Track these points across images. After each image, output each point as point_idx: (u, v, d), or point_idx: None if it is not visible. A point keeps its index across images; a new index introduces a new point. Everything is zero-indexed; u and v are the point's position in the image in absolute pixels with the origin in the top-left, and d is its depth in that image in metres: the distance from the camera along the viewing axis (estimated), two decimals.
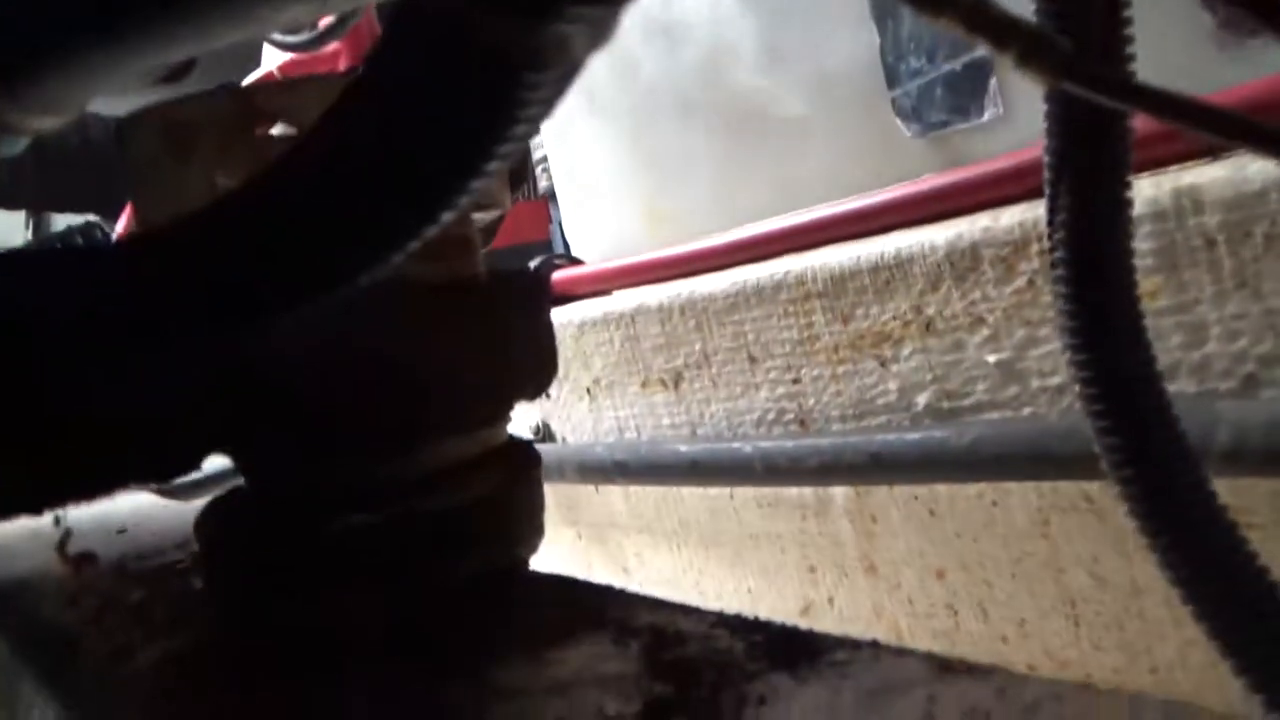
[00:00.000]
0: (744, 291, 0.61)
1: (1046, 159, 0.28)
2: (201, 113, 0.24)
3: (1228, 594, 0.25)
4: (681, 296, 0.66)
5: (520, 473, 0.29)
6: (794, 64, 0.72)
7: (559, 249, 1.01)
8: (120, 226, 1.36)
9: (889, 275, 0.53)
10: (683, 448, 0.61)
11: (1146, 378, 0.26)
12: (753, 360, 0.61)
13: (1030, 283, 0.47)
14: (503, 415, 0.29)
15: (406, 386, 0.26)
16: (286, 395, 0.24)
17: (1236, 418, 0.37)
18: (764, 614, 0.64)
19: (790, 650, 0.20)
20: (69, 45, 0.51)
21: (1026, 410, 0.48)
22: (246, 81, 1.28)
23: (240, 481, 0.29)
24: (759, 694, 0.18)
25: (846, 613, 0.58)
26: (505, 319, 0.28)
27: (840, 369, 0.56)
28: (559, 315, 0.76)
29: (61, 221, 1.83)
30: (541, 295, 0.29)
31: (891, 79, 0.66)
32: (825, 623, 0.60)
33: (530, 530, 0.29)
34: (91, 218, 1.83)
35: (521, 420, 0.80)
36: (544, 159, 1.29)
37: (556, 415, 0.79)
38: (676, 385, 0.67)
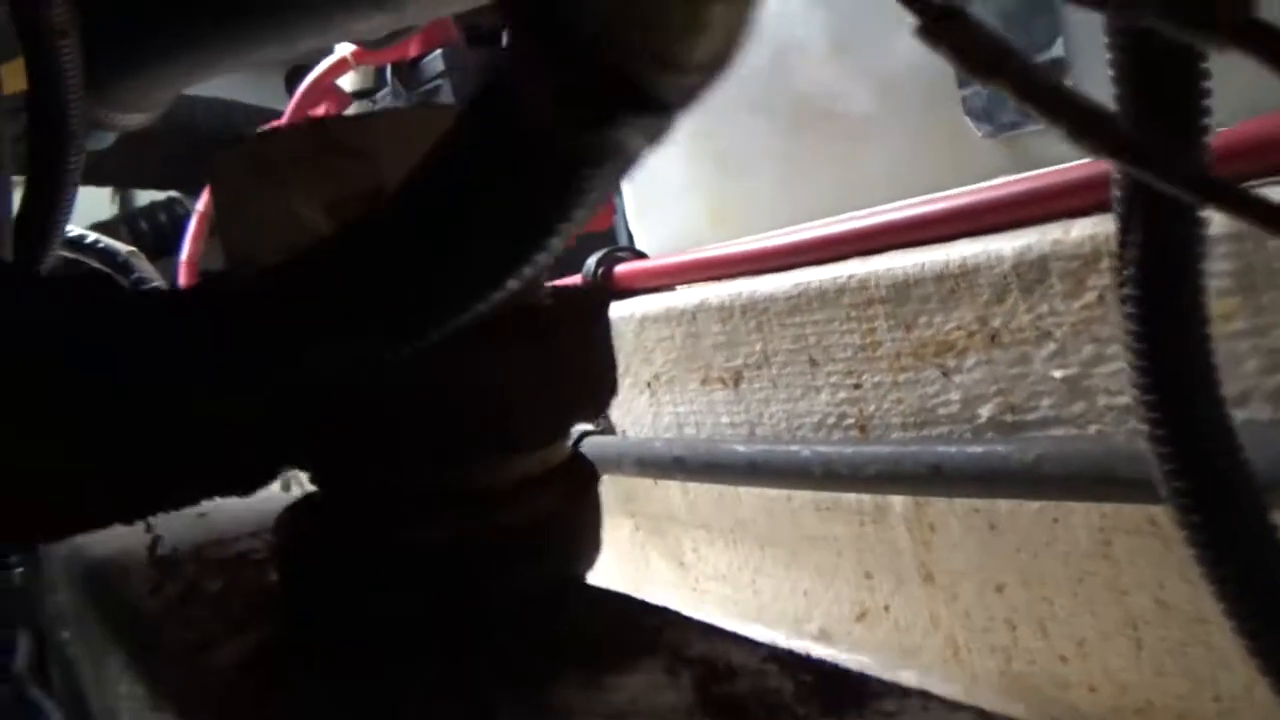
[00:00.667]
0: (806, 294, 0.61)
1: (1117, 176, 0.28)
2: (284, 145, 0.25)
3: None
4: (743, 296, 0.66)
5: (580, 490, 0.29)
6: (862, 61, 0.71)
7: (622, 241, 1.01)
8: (200, 205, 1.40)
9: (954, 284, 0.52)
10: (741, 448, 0.62)
11: (1210, 407, 0.26)
12: (813, 363, 0.61)
13: (1100, 298, 0.46)
14: (563, 434, 0.30)
15: (474, 408, 0.26)
16: (361, 415, 0.25)
17: None
18: (819, 617, 0.64)
19: (839, 694, 0.21)
20: (159, 54, 0.53)
21: (1092, 428, 0.47)
22: (320, 68, 1.30)
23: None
24: None
25: (902, 621, 0.58)
26: (567, 341, 0.28)
27: (902, 377, 0.56)
28: (622, 308, 0.76)
29: (145, 197, 1.89)
30: (603, 316, 0.30)
31: (962, 77, 0.65)
32: (880, 630, 0.60)
33: (589, 547, 0.30)
34: (173, 194, 1.89)
35: None
36: None
37: (617, 408, 0.79)
38: (736, 384, 0.68)
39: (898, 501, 0.57)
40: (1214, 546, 0.27)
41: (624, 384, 0.78)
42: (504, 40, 0.13)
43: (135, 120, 0.57)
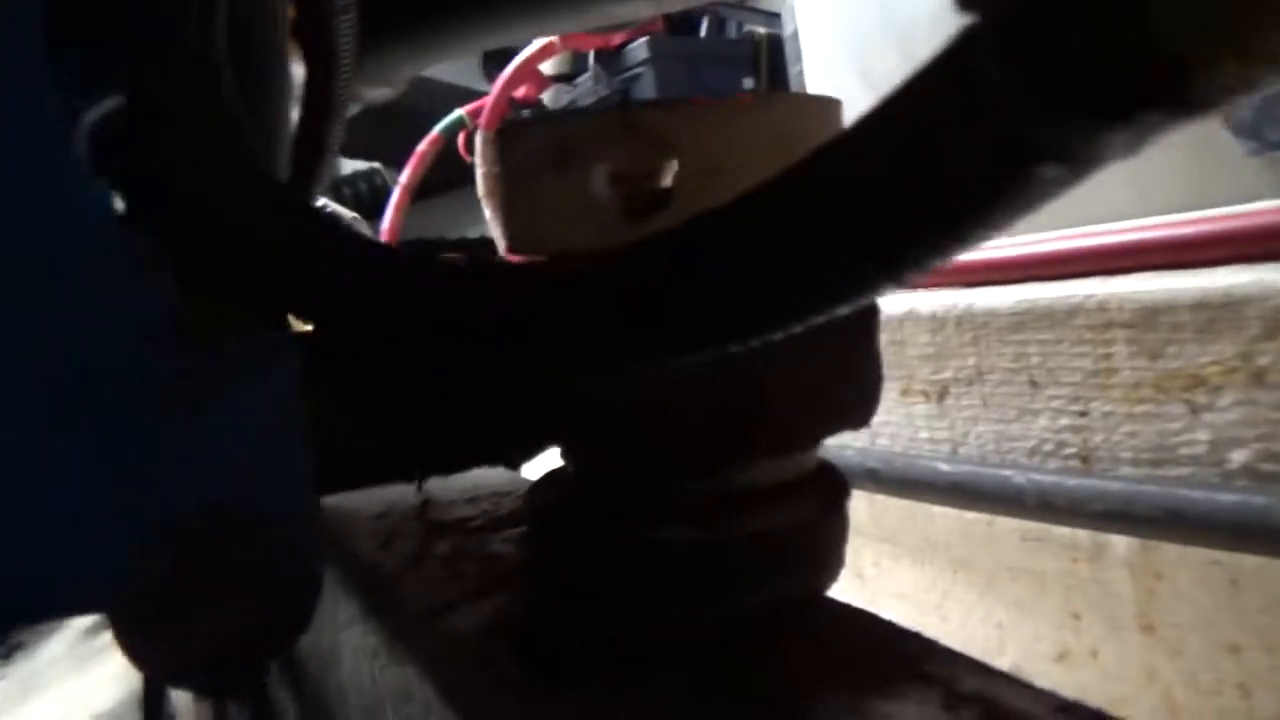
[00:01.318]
0: (1033, 311, 0.57)
1: None
2: (585, 130, 0.25)
3: None
4: (958, 307, 0.63)
5: (832, 500, 0.28)
6: None
7: None
8: (403, 178, 1.48)
9: (1213, 315, 0.48)
10: (944, 467, 0.59)
11: None
12: (1034, 385, 0.58)
13: None
14: (821, 441, 0.29)
15: (738, 408, 0.26)
16: (627, 407, 0.25)
17: None
18: (1012, 652, 0.60)
19: None
20: (420, 32, 0.55)
21: None
22: (527, 51, 1.34)
23: None
24: None
25: (1111, 669, 0.54)
26: (838, 346, 0.27)
27: (1139, 409, 0.52)
28: None
29: (348, 166, 2.01)
30: (873, 323, 0.29)
31: None
32: (1084, 675, 0.56)
33: (835, 560, 0.29)
34: (375, 165, 2.00)
35: None
36: None
37: None
38: (941, 398, 0.65)
39: (1120, 542, 0.53)
40: None
41: None
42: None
43: (381, 95, 0.59)
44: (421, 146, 1.46)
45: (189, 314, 0.23)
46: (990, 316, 0.60)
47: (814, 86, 0.91)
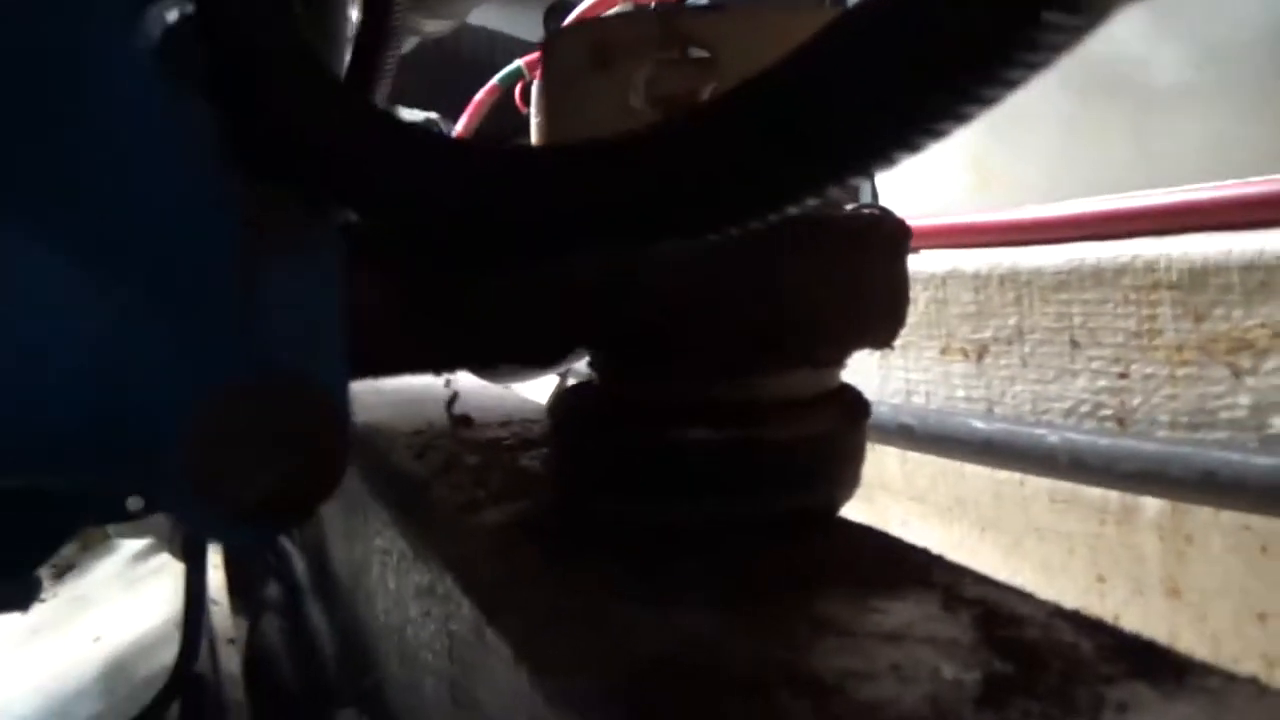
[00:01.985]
0: (1079, 270, 0.56)
1: None
2: (627, 32, 0.25)
3: None
4: (1002, 266, 0.62)
5: (853, 417, 0.29)
6: (1181, 23, 0.64)
7: (867, 199, 0.98)
8: (459, 127, 1.48)
9: (1265, 276, 0.47)
10: (978, 424, 0.58)
11: None
12: (1075, 345, 0.57)
13: None
14: (846, 357, 0.29)
15: (766, 316, 0.26)
16: (659, 308, 0.26)
17: None
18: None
19: (1150, 662, 0.19)
20: None
21: None
22: (585, 3, 1.33)
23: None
24: (1119, 700, 0.17)
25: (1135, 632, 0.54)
26: (868, 262, 0.27)
27: (1181, 371, 0.51)
28: None
29: (407, 115, 2.03)
30: (905, 242, 0.29)
31: None
32: None
33: (851, 476, 0.29)
34: (432, 115, 2.01)
35: None
36: None
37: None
38: (980, 357, 0.64)
39: (1150, 505, 0.53)
40: None
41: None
42: None
43: (438, 27, 0.60)
44: (479, 96, 1.46)
45: (249, 199, 0.24)
46: (1035, 275, 0.59)
47: None
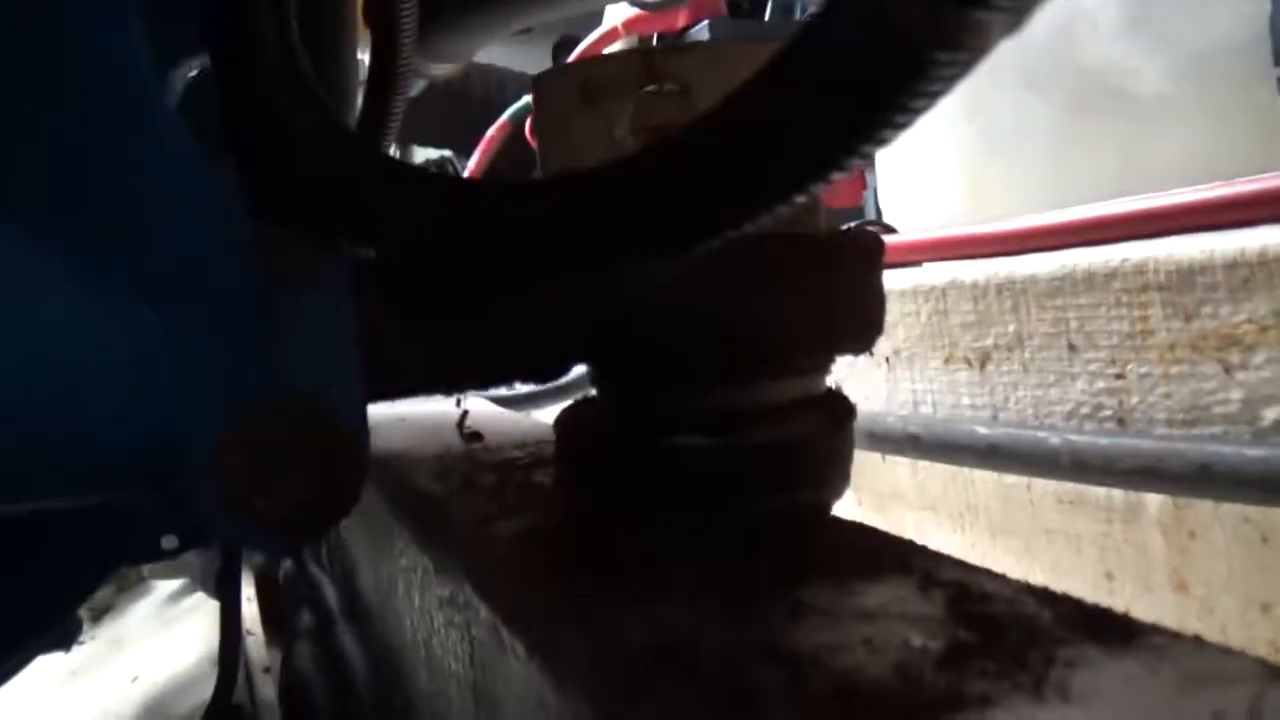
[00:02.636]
0: (1071, 276, 0.58)
1: None
2: (610, 71, 0.27)
3: None
4: (999, 275, 0.64)
5: (838, 421, 0.31)
6: (1161, 36, 0.66)
7: (871, 216, 1.00)
8: (472, 164, 1.52)
9: (1248, 273, 0.48)
10: (982, 430, 0.60)
11: None
12: (1072, 349, 0.58)
13: None
14: (827, 365, 0.31)
15: (745, 328, 0.28)
16: (647, 323, 0.28)
17: None
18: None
19: (1102, 626, 0.21)
20: (477, 6, 0.58)
21: None
22: (591, 36, 1.37)
23: (588, 392, 0.33)
24: (1068, 657, 0.19)
25: None
26: (842, 274, 0.29)
27: (1174, 369, 0.52)
28: None
29: (420, 155, 2.07)
30: (878, 255, 0.31)
31: None
32: None
33: (838, 476, 0.31)
34: (446, 153, 2.05)
35: None
36: None
37: (851, 381, 0.79)
38: (983, 365, 0.66)
39: (1153, 502, 0.54)
40: None
41: (860, 356, 0.78)
42: None
43: (444, 71, 0.63)
44: (490, 132, 1.50)
45: (266, 238, 0.27)
46: (1030, 283, 0.61)
47: None
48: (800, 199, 0.17)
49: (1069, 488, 0.59)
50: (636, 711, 0.20)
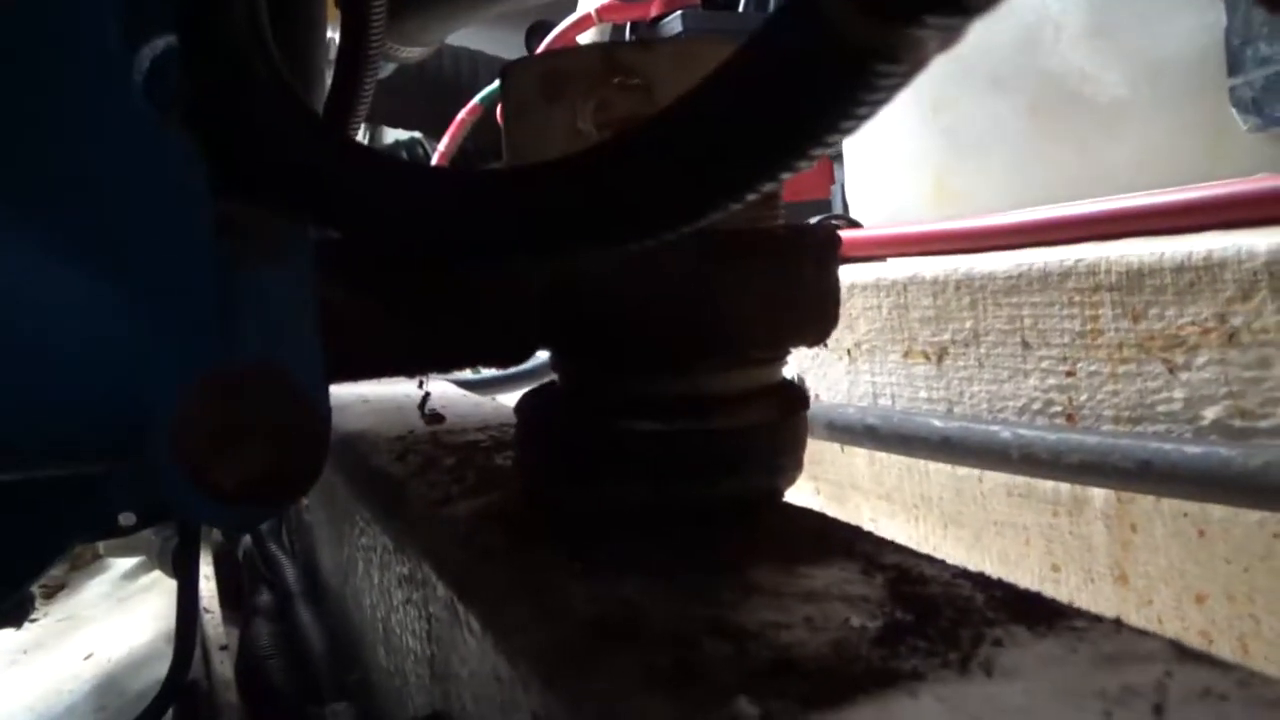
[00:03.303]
0: (1027, 275, 0.60)
1: None
2: (573, 64, 0.28)
3: None
4: (959, 272, 0.65)
5: (789, 410, 0.32)
6: (1121, 44, 0.68)
7: (838, 210, 1.01)
8: (442, 147, 1.51)
9: (1194, 277, 0.50)
10: (937, 423, 0.61)
11: None
12: (1026, 346, 0.60)
13: None
14: (781, 355, 0.32)
15: (700, 318, 0.29)
16: (602, 311, 0.29)
17: None
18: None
19: (1030, 609, 0.22)
20: None
21: None
22: (564, 24, 1.37)
23: (549, 378, 0.34)
24: (995, 637, 0.20)
25: None
26: (795, 268, 0.30)
27: (1122, 368, 0.54)
28: None
29: (390, 135, 2.06)
30: (832, 251, 0.31)
31: (1234, 66, 0.60)
32: None
33: (791, 463, 0.32)
34: (416, 135, 2.04)
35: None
36: None
37: (813, 372, 0.81)
38: (940, 360, 0.67)
39: (1098, 496, 0.56)
40: None
41: (822, 348, 0.79)
42: None
43: (414, 54, 0.63)
44: (461, 115, 1.50)
45: (228, 212, 0.27)
46: (988, 280, 0.62)
47: None
48: (748, 197, 0.18)
49: (1019, 481, 0.61)
50: (586, 683, 0.21)
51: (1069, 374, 0.57)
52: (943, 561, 0.25)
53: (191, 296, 0.24)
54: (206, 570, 0.87)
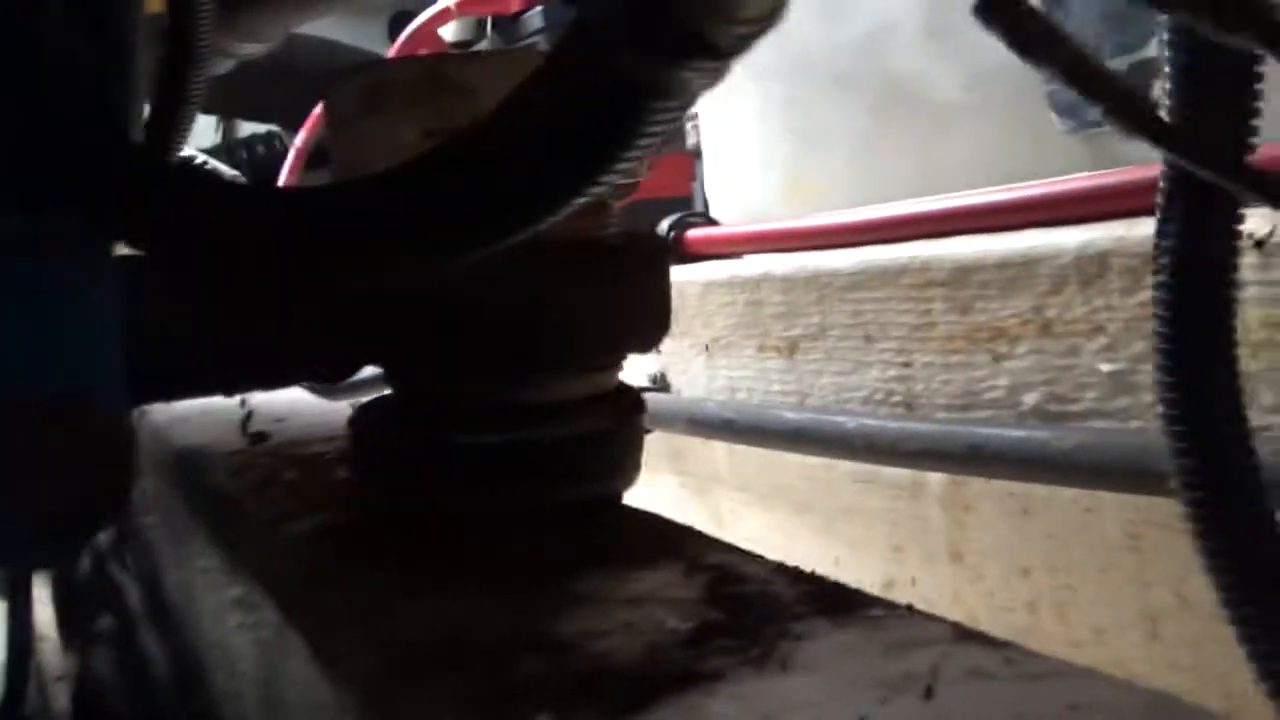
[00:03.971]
0: (868, 271, 0.62)
1: (1163, 171, 0.29)
2: (395, 76, 0.27)
3: (1273, 619, 0.26)
4: (807, 269, 0.68)
5: (625, 416, 0.32)
6: (955, 47, 0.72)
7: (699, 207, 1.03)
8: (298, 140, 1.46)
9: (1014, 272, 0.53)
10: (789, 415, 0.64)
11: (1228, 402, 0.27)
12: (868, 339, 0.63)
13: None
14: (615, 363, 0.32)
15: (531, 328, 0.29)
16: (431, 324, 0.28)
17: None
18: (848, 584, 0.66)
19: (834, 602, 0.23)
20: None
21: (1134, 424, 0.48)
22: (423, 16, 1.34)
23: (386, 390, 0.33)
24: (798, 631, 0.21)
25: (927, 595, 0.60)
26: (626, 277, 0.31)
27: (953, 359, 0.57)
28: (688, 272, 0.79)
29: (247, 129, 1.97)
30: (663, 259, 0.32)
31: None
32: (904, 601, 0.61)
33: (628, 467, 0.32)
34: (273, 128, 1.96)
35: (641, 369, 0.83)
36: (695, 115, 1.31)
37: (674, 368, 0.82)
38: (792, 354, 0.69)
39: (935, 480, 0.59)
40: (1211, 535, 0.28)
41: (683, 345, 0.80)
42: None
43: (253, 50, 0.61)
44: (317, 110, 1.45)
45: (29, 230, 0.25)
46: (833, 277, 0.65)
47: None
48: (555, 213, 0.18)
49: (864, 468, 0.63)
50: (404, 707, 0.21)
51: (906, 365, 0.60)
52: (763, 559, 0.27)
53: None
54: (43, 594, 0.81)
